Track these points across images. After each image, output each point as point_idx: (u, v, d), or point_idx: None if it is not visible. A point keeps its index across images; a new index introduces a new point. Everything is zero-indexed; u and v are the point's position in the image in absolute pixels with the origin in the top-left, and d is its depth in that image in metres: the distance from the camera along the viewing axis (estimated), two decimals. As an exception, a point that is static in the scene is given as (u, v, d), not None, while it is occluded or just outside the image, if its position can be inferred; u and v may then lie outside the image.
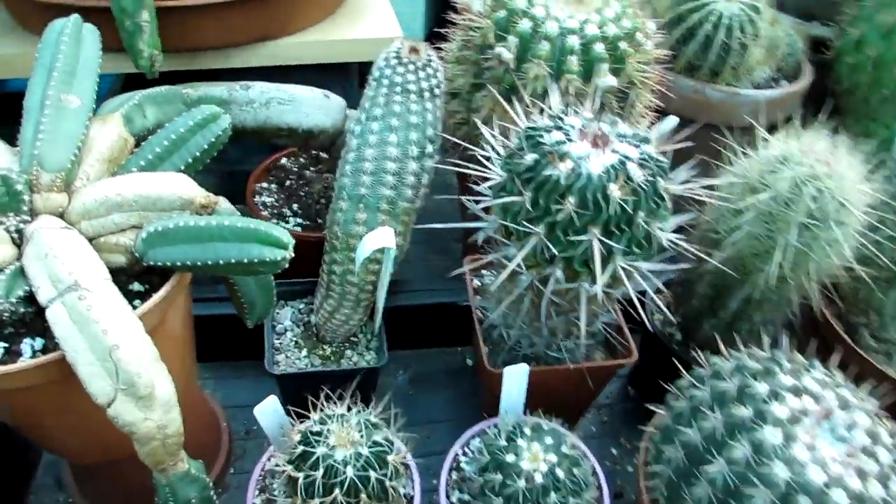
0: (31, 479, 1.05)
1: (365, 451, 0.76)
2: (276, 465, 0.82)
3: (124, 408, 0.56)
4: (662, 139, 0.96)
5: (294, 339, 1.07)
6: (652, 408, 0.91)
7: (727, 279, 0.97)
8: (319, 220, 1.21)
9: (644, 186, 0.73)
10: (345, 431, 0.77)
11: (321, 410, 0.82)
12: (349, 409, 0.83)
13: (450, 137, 0.98)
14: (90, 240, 0.67)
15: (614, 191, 0.71)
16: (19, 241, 0.65)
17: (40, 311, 0.60)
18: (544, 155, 0.74)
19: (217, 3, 1.10)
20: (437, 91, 0.97)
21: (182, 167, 0.75)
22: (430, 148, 0.98)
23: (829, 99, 1.46)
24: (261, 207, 1.21)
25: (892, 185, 0.96)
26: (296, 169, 1.30)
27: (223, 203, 0.73)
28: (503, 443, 0.85)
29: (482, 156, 0.84)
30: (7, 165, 0.68)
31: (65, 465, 1.01)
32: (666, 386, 0.91)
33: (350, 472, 0.73)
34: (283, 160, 1.30)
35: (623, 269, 0.76)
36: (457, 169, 0.84)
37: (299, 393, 0.98)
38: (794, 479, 0.63)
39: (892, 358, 1.06)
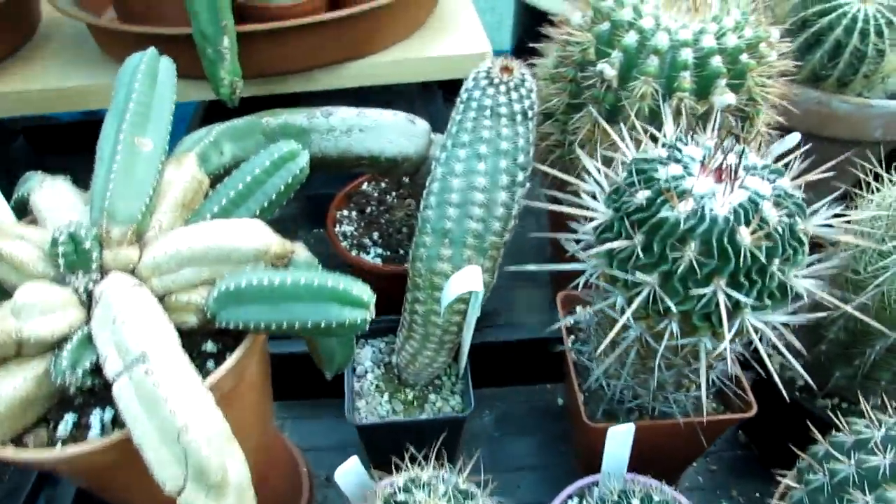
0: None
1: (453, 523, 0.69)
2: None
3: (195, 496, 0.50)
4: (782, 156, 0.85)
5: (375, 381, 1.00)
6: (778, 476, 0.80)
7: (866, 324, 0.84)
8: (401, 251, 1.14)
9: (780, 230, 0.62)
10: (432, 502, 0.69)
11: (406, 471, 0.75)
12: (435, 469, 0.75)
13: (541, 167, 0.89)
14: (161, 298, 0.62)
15: (745, 236, 0.60)
16: (88, 301, 0.61)
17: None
18: (659, 193, 0.64)
19: (299, 25, 1.05)
20: (529, 114, 0.89)
21: (258, 211, 0.70)
22: (520, 176, 0.90)
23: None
24: (341, 238, 1.16)
25: None
26: (377, 194, 1.24)
27: (299, 251, 0.67)
28: (608, 511, 0.75)
29: (583, 190, 0.75)
30: (77, 217, 0.65)
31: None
32: (788, 442, 0.80)
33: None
34: (364, 185, 1.25)
35: (752, 325, 0.66)
36: (553, 206, 0.75)
37: (382, 443, 0.92)
38: None
39: None
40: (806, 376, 0.87)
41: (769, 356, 1.00)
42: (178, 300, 0.62)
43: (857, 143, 1.20)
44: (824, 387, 0.94)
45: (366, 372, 1.01)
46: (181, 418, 0.50)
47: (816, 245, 0.82)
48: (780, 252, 0.62)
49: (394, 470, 0.76)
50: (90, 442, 0.56)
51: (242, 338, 0.64)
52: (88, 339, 0.57)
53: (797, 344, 0.68)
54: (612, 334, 0.67)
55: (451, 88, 1.28)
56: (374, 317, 0.59)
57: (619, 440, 0.80)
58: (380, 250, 1.15)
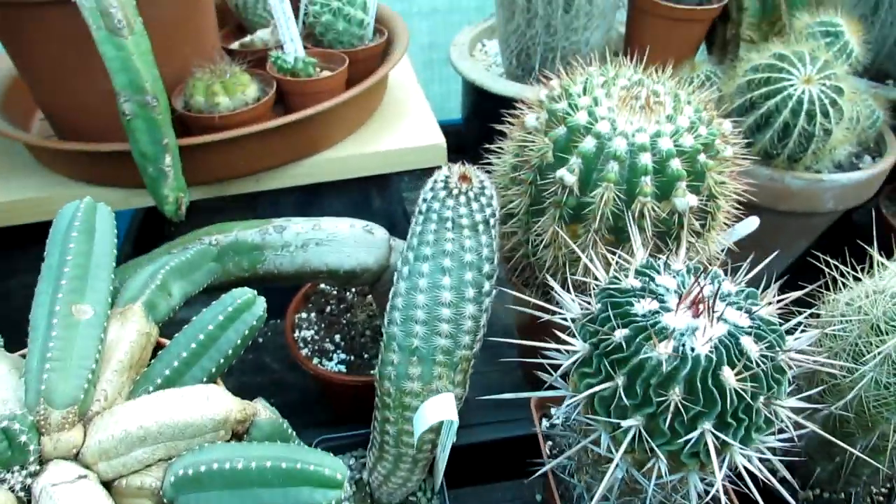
0: None
1: None
2: None
3: None
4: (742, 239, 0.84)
5: (347, 502, 0.95)
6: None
7: (846, 423, 0.83)
8: (365, 355, 1.10)
9: (763, 366, 0.60)
10: None
11: None
12: None
13: (513, 292, 0.86)
14: (109, 483, 0.56)
15: (729, 378, 0.58)
16: (27, 498, 0.54)
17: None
18: (638, 332, 0.62)
19: (244, 134, 1.01)
20: (492, 221, 0.86)
21: (213, 369, 0.65)
22: (487, 286, 0.87)
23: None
24: (301, 344, 1.10)
25: None
26: (335, 292, 1.19)
27: (261, 411, 0.63)
28: None
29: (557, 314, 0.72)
30: (12, 394, 0.59)
31: None
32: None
33: None
34: (322, 284, 1.20)
35: (740, 458, 0.63)
36: (527, 342, 0.72)
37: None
38: None
39: None
40: (788, 475, 0.86)
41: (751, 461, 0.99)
42: (129, 485, 0.57)
43: (811, 214, 1.22)
44: (807, 480, 0.93)
45: (336, 497, 0.95)
46: None
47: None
48: (764, 389, 0.60)
49: None
50: None
51: (204, 517, 0.59)
52: (28, 552, 0.51)
53: (782, 469, 0.66)
54: (605, 481, 0.64)
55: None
56: (349, 495, 0.55)
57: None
58: (343, 355, 1.10)
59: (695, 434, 0.60)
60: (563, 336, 0.68)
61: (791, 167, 1.16)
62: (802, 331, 0.69)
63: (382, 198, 1.37)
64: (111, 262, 0.65)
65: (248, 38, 1.32)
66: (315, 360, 1.08)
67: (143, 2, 0.90)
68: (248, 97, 1.07)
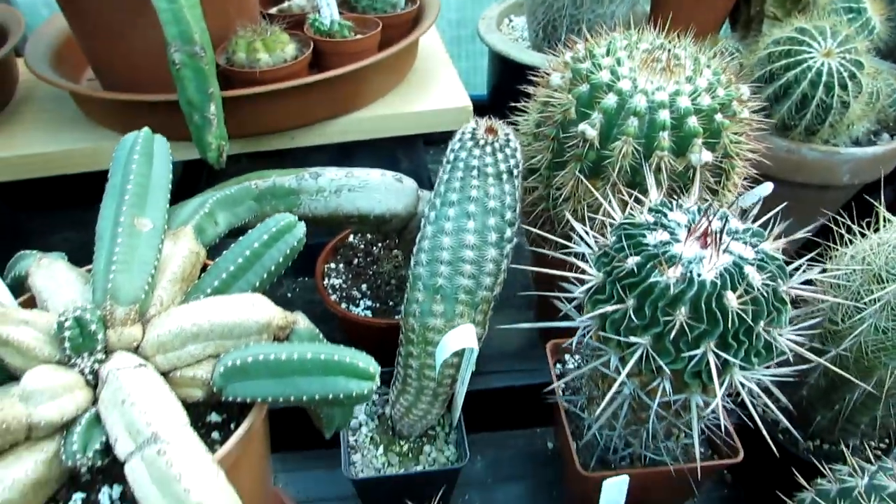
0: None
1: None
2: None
3: (208, 576, 0.51)
4: (756, 205, 0.88)
5: (370, 433, 1.01)
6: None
7: (846, 370, 0.87)
8: (390, 303, 1.16)
9: (764, 293, 0.65)
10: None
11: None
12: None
13: (533, 230, 0.92)
14: (166, 374, 0.63)
15: (732, 301, 0.63)
16: (94, 382, 0.61)
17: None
18: (649, 259, 0.67)
19: (284, 88, 1.07)
20: (515, 172, 0.92)
21: (256, 283, 0.71)
22: (508, 232, 0.92)
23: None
24: (330, 291, 1.17)
25: None
26: (363, 246, 1.25)
27: (301, 321, 0.69)
28: (605, 564, 0.77)
29: (574, 252, 0.78)
30: (76, 296, 0.65)
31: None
32: (772, 482, 0.82)
33: None
34: (351, 237, 1.26)
35: (740, 381, 0.68)
36: (546, 270, 0.78)
37: (379, 497, 0.92)
38: None
39: None
40: (789, 425, 0.91)
41: (754, 405, 1.04)
42: (182, 376, 0.63)
43: (827, 187, 1.25)
44: (807, 430, 0.98)
45: (360, 425, 1.02)
46: (195, 496, 0.51)
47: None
48: (764, 314, 0.65)
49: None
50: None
51: (247, 408, 0.65)
52: (97, 420, 0.58)
53: (782, 398, 0.71)
54: (608, 395, 0.69)
55: (430, 136, 1.32)
56: (378, 386, 0.61)
57: (614, 490, 0.82)
58: (369, 302, 1.16)
59: (698, 352, 0.65)
60: (580, 263, 0.73)
61: (808, 140, 1.19)
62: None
63: (409, 168, 1.42)
64: (167, 184, 0.71)
65: (285, 4, 1.38)
66: (343, 306, 1.14)
67: (193, -39, 0.96)
68: (287, 55, 1.14)
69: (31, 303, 0.70)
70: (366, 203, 1.00)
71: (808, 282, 0.74)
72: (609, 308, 0.68)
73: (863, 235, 0.86)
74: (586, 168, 0.93)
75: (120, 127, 1.18)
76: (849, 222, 0.88)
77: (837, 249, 0.87)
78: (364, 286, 1.19)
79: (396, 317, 1.12)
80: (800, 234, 0.74)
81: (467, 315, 0.92)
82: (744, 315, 0.64)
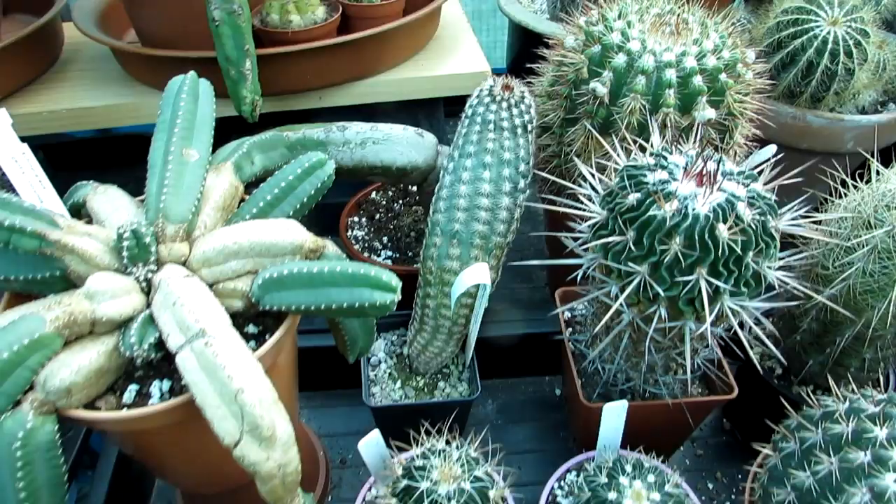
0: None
1: (467, 486, 0.77)
2: (377, 498, 0.83)
3: (249, 449, 0.58)
4: (760, 167, 0.94)
5: (388, 370, 1.09)
6: (756, 447, 0.88)
7: (835, 314, 0.93)
8: (409, 253, 1.23)
9: (753, 226, 0.71)
10: (447, 467, 0.77)
11: (422, 445, 0.83)
12: (448, 443, 0.83)
13: (542, 173, 0.98)
14: (210, 286, 0.70)
15: (723, 231, 0.69)
16: (147, 289, 0.69)
17: (167, 355, 0.64)
18: (648, 195, 0.73)
19: (314, 48, 1.14)
20: (529, 127, 0.98)
21: (290, 213, 0.78)
22: (522, 183, 0.99)
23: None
24: (353, 241, 1.24)
25: None
26: (385, 202, 1.33)
27: (330, 246, 0.76)
28: (604, 479, 0.84)
29: (581, 194, 0.84)
30: (134, 218, 0.73)
31: (177, 493, 1.05)
32: (767, 422, 0.88)
33: (454, 507, 0.73)
34: (373, 194, 1.33)
35: (730, 308, 0.74)
36: (550, 207, 0.84)
37: (395, 425, 1.00)
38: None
39: None
40: (781, 357, 0.96)
41: (752, 347, 1.10)
42: (225, 287, 0.71)
43: (831, 154, 1.30)
44: (799, 374, 1.04)
45: (379, 362, 1.09)
46: (237, 382, 0.58)
47: (791, 245, 0.91)
48: (753, 245, 0.71)
49: (410, 444, 0.84)
50: (155, 405, 0.64)
51: (280, 322, 0.72)
52: (150, 319, 0.65)
53: (772, 328, 0.77)
54: (607, 317, 0.76)
55: (450, 100, 1.38)
56: (399, 298, 0.67)
57: (614, 416, 0.88)
58: (389, 252, 1.23)
59: (691, 278, 0.71)
60: (585, 201, 0.79)
61: (814, 107, 1.24)
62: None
63: (430, 124, 1.49)
64: (211, 121, 0.79)
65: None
66: (365, 255, 1.22)
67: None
68: (317, 17, 1.21)
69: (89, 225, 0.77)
70: (388, 155, 1.06)
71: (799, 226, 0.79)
72: (611, 239, 0.75)
73: (856, 188, 0.91)
74: (597, 124, 0.99)
75: (160, 84, 1.25)
76: (847, 178, 0.93)
77: (833, 202, 0.92)
78: (385, 238, 1.26)
79: (415, 265, 1.19)
80: (785, 179, 0.79)
81: (482, 259, 0.98)
82: (733, 245, 0.70)
